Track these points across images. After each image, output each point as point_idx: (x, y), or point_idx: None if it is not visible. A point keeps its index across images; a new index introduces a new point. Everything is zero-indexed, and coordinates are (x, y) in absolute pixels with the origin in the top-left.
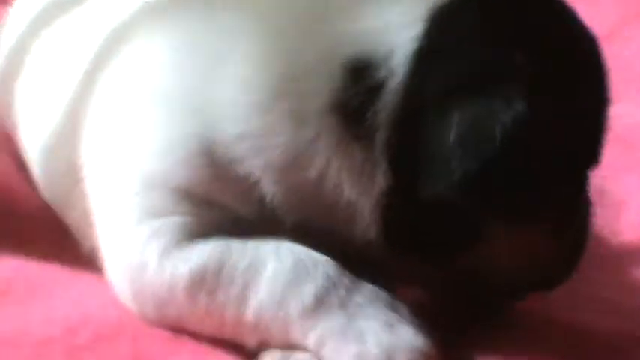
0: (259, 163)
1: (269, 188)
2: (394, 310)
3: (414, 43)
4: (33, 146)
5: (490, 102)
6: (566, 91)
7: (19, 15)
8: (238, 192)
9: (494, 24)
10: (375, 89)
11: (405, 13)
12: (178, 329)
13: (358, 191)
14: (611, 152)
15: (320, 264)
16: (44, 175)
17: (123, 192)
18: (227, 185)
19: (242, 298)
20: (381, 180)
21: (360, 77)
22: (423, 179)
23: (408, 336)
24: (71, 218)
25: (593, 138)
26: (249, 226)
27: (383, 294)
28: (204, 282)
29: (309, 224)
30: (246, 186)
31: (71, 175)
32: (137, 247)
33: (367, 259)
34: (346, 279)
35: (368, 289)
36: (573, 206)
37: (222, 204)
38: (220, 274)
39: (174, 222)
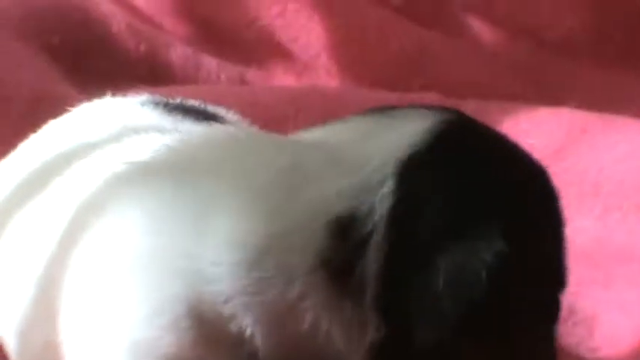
0: (249, 320)
1: (260, 343)
2: None
3: (389, 198)
4: (8, 332)
5: (471, 244)
6: (534, 224)
7: None
8: (229, 350)
9: (458, 171)
10: (360, 246)
11: (377, 170)
12: None
13: (349, 343)
14: (577, 268)
15: None
16: (18, 356)
17: None
18: (217, 345)
19: None
20: (372, 331)
21: (344, 235)
22: (417, 328)
23: None
24: None
25: (561, 263)
26: None
27: None
28: None
29: None
30: (237, 343)
31: (48, 356)
32: None
33: None
34: None
35: None
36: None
37: None
38: None
39: None
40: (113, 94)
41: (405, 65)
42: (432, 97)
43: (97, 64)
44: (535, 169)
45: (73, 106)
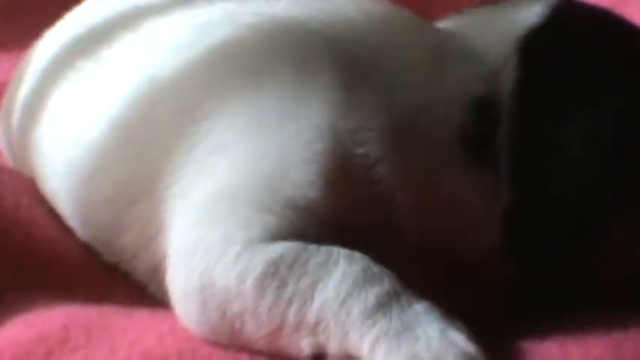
0: (395, 183)
1: (401, 206)
2: (449, 320)
3: (514, 75)
4: (63, 186)
5: (595, 109)
6: None
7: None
8: (371, 210)
9: (574, 46)
10: (494, 121)
11: (500, 54)
12: (235, 346)
13: (484, 207)
14: None
15: (387, 275)
16: (82, 209)
17: (228, 193)
18: (360, 203)
19: (308, 295)
20: (506, 197)
21: (481, 112)
22: (554, 188)
23: (459, 342)
24: (121, 243)
25: None
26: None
27: (440, 309)
28: (276, 274)
29: (427, 241)
30: (380, 204)
31: (121, 197)
32: (219, 236)
33: (470, 280)
34: (409, 291)
35: (427, 303)
36: None
37: (343, 215)
38: (293, 268)
39: (268, 221)
40: None
41: None
42: None
43: None
44: None
45: None
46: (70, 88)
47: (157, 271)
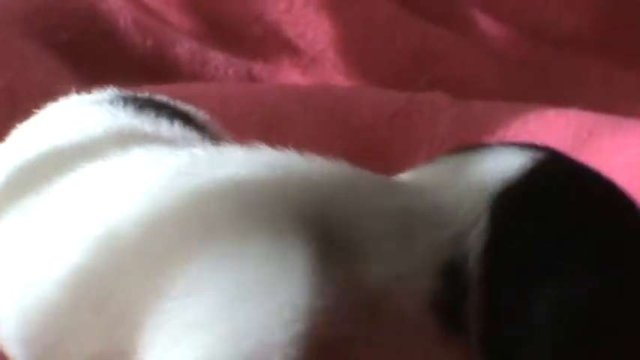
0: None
1: None
2: None
3: (483, 237)
4: (18, 340)
5: (568, 281)
6: (630, 263)
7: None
8: None
9: (551, 208)
10: (464, 286)
11: (471, 211)
12: None
13: (445, 351)
14: None
15: None
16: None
17: None
18: None
19: None
20: (473, 344)
21: (451, 278)
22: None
23: None
24: None
25: None
26: None
27: None
28: None
29: None
30: None
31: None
32: None
33: None
34: None
35: None
36: None
37: None
38: None
39: None
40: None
41: (412, 62)
42: (440, 97)
43: (104, 59)
44: (629, 209)
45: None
46: (10, 235)
47: None
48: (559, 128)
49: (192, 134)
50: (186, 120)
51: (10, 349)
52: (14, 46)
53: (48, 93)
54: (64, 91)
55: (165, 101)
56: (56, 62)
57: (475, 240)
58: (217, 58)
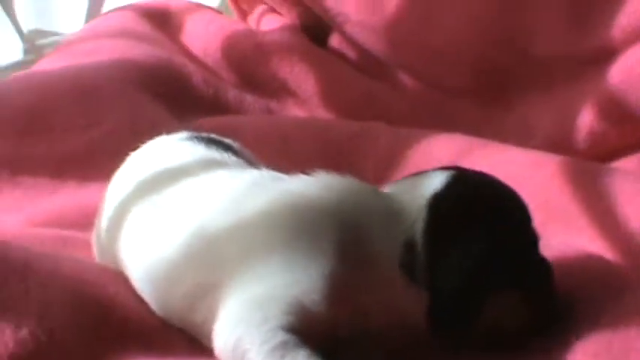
0: (368, 299)
1: (369, 310)
2: None
3: (424, 223)
4: (144, 286)
5: (469, 246)
6: (515, 233)
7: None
8: (353, 313)
9: (464, 204)
10: (416, 253)
11: (417, 210)
12: None
13: (416, 305)
14: None
15: None
16: (161, 300)
17: (259, 302)
18: (347, 310)
19: None
20: (425, 298)
21: (409, 248)
22: (447, 289)
23: None
24: (191, 320)
25: (531, 242)
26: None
27: None
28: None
29: (385, 326)
30: (359, 310)
31: (194, 295)
32: (257, 322)
33: (406, 340)
34: None
35: None
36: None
37: (332, 321)
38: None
39: (287, 318)
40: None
41: (362, 103)
42: (380, 126)
43: (184, 102)
44: (512, 200)
45: (171, 130)
46: (142, 218)
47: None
48: (449, 146)
49: (239, 160)
50: (230, 149)
51: (139, 289)
52: (135, 97)
53: (153, 129)
54: (163, 126)
55: (217, 137)
56: (158, 106)
57: (420, 225)
58: (249, 99)
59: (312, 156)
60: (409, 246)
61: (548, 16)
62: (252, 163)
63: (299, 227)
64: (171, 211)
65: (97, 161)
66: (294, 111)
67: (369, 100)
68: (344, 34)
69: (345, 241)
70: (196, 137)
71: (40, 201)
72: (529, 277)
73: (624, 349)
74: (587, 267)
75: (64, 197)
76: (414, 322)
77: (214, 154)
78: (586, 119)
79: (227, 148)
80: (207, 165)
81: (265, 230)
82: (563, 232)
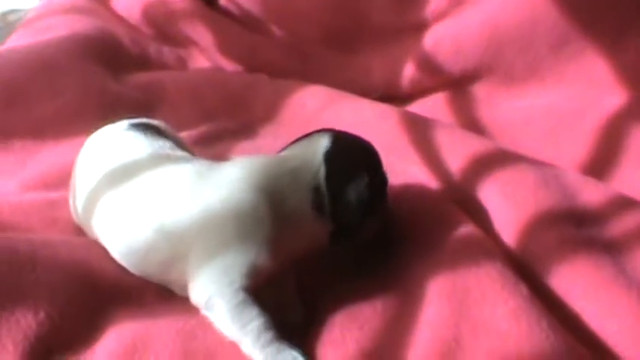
0: (290, 232)
1: (284, 241)
2: None
3: (324, 170)
4: (122, 255)
5: (355, 182)
6: (378, 174)
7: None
8: (283, 260)
9: (345, 154)
10: (322, 193)
11: (317, 164)
12: None
13: (322, 231)
14: None
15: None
16: (139, 267)
17: (219, 265)
18: (281, 260)
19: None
20: (330, 226)
21: (316, 190)
22: (343, 219)
23: None
24: (167, 280)
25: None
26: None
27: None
28: (241, 312)
29: (299, 251)
30: (286, 250)
31: (168, 262)
32: (224, 284)
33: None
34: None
35: None
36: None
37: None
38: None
39: (243, 280)
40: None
41: (247, 52)
42: (264, 77)
43: (119, 62)
44: (371, 150)
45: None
46: (114, 206)
47: (186, 290)
48: (317, 95)
49: (167, 143)
50: (162, 133)
51: (118, 259)
52: (82, 66)
53: (102, 93)
54: (108, 89)
55: (151, 123)
56: (100, 70)
57: (322, 174)
58: (166, 50)
59: (218, 104)
60: (316, 190)
61: None
62: (180, 145)
63: (239, 207)
64: (138, 201)
65: (66, 123)
66: (199, 58)
67: (252, 49)
68: None
69: (273, 207)
70: (136, 125)
71: (29, 163)
72: (384, 204)
73: (465, 288)
74: (418, 192)
75: (46, 155)
76: (320, 244)
77: (156, 144)
78: (409, 71)
79: (159, 132)
80: (156, 159)
81: (216, 212)
82: (403, 164)
